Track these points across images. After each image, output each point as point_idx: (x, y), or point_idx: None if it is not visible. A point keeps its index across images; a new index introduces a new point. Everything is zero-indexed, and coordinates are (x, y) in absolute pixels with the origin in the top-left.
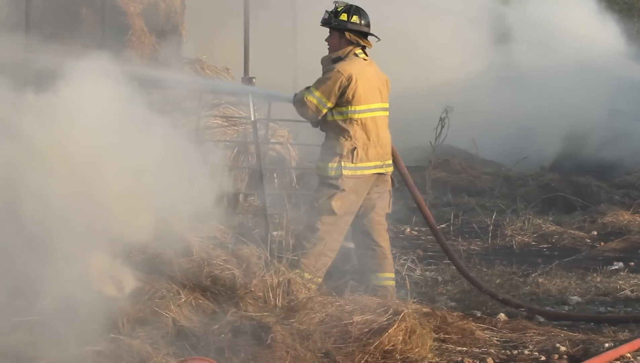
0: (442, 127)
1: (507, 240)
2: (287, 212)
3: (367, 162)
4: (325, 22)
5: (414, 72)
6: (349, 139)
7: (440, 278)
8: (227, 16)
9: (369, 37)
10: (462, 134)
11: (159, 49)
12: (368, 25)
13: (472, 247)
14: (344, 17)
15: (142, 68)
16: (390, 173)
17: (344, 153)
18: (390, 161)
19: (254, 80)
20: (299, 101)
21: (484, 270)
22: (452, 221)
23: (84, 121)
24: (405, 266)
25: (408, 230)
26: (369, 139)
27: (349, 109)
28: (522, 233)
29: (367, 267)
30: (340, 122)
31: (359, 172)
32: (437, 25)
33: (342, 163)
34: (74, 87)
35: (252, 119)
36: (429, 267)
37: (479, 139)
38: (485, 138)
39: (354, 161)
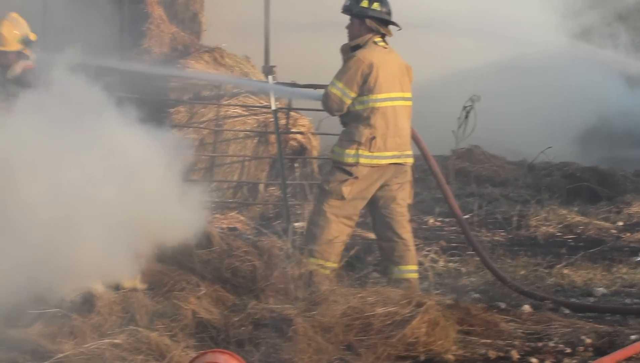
0: (467, 116)
1: (531, 230)
2: (308, 202)
3: (385, 151)
4: (346, 9)
5: (440, 59)
6: (368, 127)
7: (464, 270)
8: (247, 3)
9: (390, 26)
10: (486, 123)
11: (178, 38)
12: (389, 13)
13: (496, 238)
14: (365, 3)
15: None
16: (409, 164)
17: (363, 141)
18: (410, 152)
19: (274, 68)
20: (324, 95)
21: (509, 261)
22: (475, 212)
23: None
24: (429, 258)
25: (431, 220)
26: (388, 129)
27: (370, 98)
28: (547, 223)
29: (389, 260)
30: (361, 111)
31: (375, 161)
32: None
33: (360, 151)
34: None
35: (273, 108)
36: (453, 258)
37: (504, 128)
38: (509, 127)
39: (371, 150)
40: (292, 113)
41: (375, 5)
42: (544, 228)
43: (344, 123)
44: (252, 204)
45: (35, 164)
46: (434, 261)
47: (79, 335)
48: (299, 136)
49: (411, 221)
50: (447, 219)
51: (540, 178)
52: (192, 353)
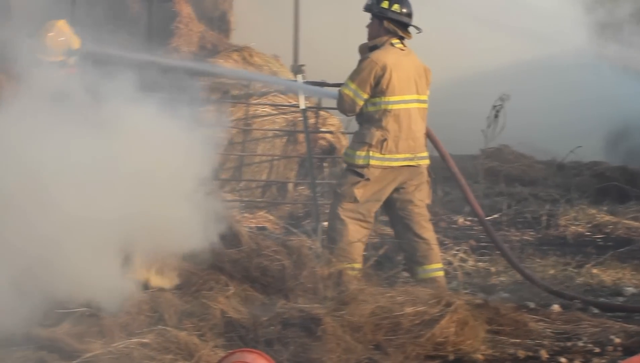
0: (496, 116)
1: (560, 230)
2: None
3: (396, 154)
4: (367, 8)
5: (469, 58)
6: (380, 129)
7: (493, 269)
8: (276, 2)
9: (411, 28)
10: (516, 122)
11: (207, 37)
12: (409, 15)
13: (525, 237)
14: (385, 4)
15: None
16: (424, 165)
17: (374, 143)
18: (424, 154)
19: (303, 67)
20: (337, 96)
21: (538, 260)
22: (505, 211)
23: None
24: (458, 257)
25: (461, 220)
26: (400, 131)
27: (382, 100)
28: (576, 223)
29: (412, 261)
30: (373, 113)
31: (386, 163)
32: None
33: (370, 153)
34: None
35: (302, 107)
36: (482, 258)
37: (533, 127)
38: (539, 126)
39: (382, 152)
40: (321, 112)
41: (396, 7)
42: (573, 227)
43: (359, 124)
44: (281, 204)
45: (66, 163)
46: (463, 260)
47: (107, 334)
48: (328, 136)
49: (441, 220)
50: (476, 219)
51: (570, 178)
52: (221, 353)
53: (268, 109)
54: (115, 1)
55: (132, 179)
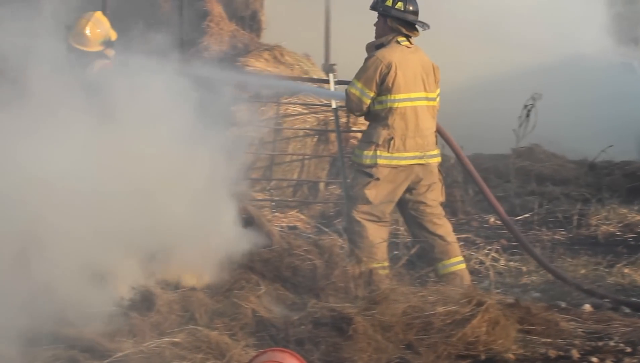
0: (528, 115)
1: (591, 229)
2: None
3: (404, 152)
4: (372, 6)
5: (500, 56)
6: (386, 128)
7: (524, 269)
8: (307, 1)
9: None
10: (547, 121)
11: (238, 36)
12: (414, 12)
13: (556, 237)
14: (388, 2)
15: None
16: (434, 164)
17: (380, 142)
18: (434, 152)
19: (334, 66)
20: (345, 95)
21: (569, 260)
22: (536, 211)
23: None
24: (490, 257)
25: (492, 219)
26: (407, 129)
27: (388, 98)
28: (607, 222)
29: (431, 258)
30: (379, 111)
31: (394, 162)
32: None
33: (378, 152)
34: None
35: (333, 106)
36: (513, 257)
37: (564, 126)
38: (570, 125)
39: (390, 151)
40: None
41: (399, 5)
42: (605, 227)
43: (367, 120)
44: (313, 203)
45: (107, 159)
46: (495, 260)
47: (138, 333)
48: (359, 135)
49: (472, 220)
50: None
51: (601, 177)
52: (252, 352)
53: (299, 108)
54: (146, 0)
55: (163, 177)
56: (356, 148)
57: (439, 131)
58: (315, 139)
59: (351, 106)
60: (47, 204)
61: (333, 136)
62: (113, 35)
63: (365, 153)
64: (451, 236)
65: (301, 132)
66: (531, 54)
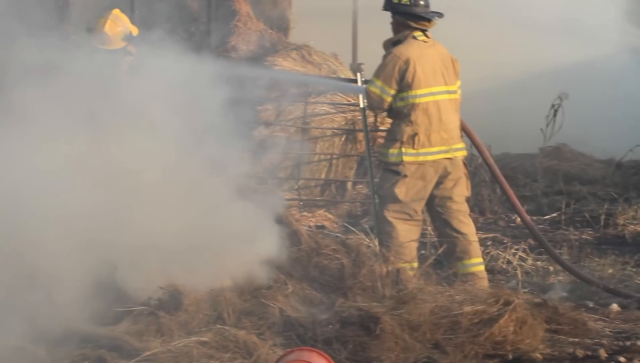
0: (555, 114)
1: (619, 229)
2: None
3: (430, 147)
4: (383, 7)
5: (527, 55)
6: (409, 124)
7: (551, 268)
8: (335, 1)
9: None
10: (574, 120)
11: (266, 35)
12: (421, 5)
13: (583, 236)
14: None
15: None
16: (461, 157)
17: (405, 139)
18: (460, 145)
19: (362, 66)
20: (365, 94)
21: (596, 259)
22: (563, 210)
23: None
24: (517, 256)
25: (519, 219)
26: (431, 124)
27: (409, 94)
28: (635, 222)
29: (452, 256)
30: (401, 108)
31: (421, 158)
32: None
33: (403, 149)
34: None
35: (361, 106)
36: (540, 257)
37: (592, 125)
38: (597, 124)
39: (415, 147)
40: None
41: (405, 0)
42: (632, 226)
43: (390, 118)
44: (340, 202)
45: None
46: (522, 259)
47: (166, 332)
48: None
49: (499, 219)
50: (534, 218)
51: (628, 176)
52: (280, 351)
53: (326, 108)
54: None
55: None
56: (382, 147)
57: (464, 130)
58: (343, 139)
59: (372, 104)
60: (80, 204)
61: (361, 136)
62: (134, 31)
63: (391, 151)
64: (474, 236)
65: (329, 132)
66: (559, 52)
